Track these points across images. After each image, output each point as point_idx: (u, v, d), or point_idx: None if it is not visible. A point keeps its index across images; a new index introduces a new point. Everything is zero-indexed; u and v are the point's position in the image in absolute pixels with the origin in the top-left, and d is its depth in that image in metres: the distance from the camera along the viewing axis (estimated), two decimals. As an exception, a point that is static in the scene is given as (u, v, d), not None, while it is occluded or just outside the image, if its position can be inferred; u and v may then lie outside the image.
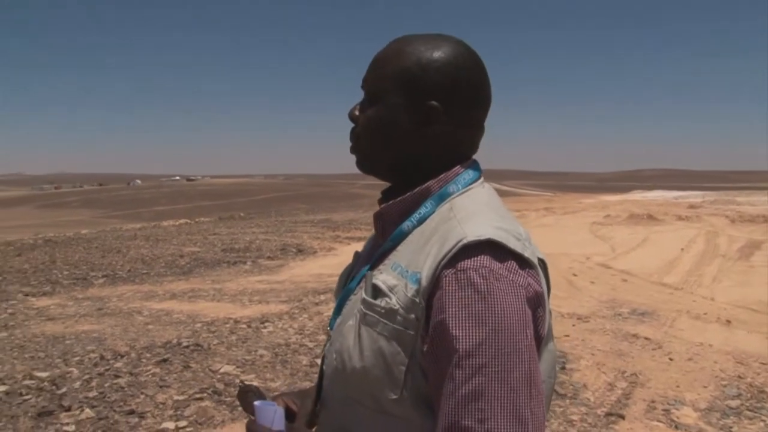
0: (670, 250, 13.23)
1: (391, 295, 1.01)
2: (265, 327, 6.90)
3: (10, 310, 7.87)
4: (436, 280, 0.97)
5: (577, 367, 5.60)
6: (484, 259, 0.95)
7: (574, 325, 7.04)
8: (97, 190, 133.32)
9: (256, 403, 1.14)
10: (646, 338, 6.54)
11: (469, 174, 1.13)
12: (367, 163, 1.18)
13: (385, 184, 1.22)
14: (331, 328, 1.18)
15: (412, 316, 0.98)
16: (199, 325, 7.07)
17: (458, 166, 1.12)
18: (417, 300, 0.98)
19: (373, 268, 1.11)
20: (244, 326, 6.93)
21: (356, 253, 1.31)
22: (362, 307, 1.05)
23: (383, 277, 1.05)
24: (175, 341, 6.31)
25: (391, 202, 1.14)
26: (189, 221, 24.53)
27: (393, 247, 1.10)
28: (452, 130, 1.11)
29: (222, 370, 5.41)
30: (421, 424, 1.01)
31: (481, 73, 1.14)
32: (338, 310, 1.18)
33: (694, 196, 36.13)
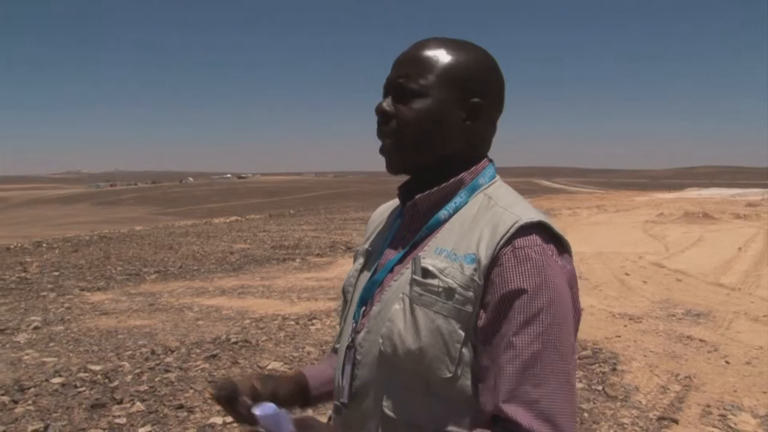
0: (727, 249, 12.81)
1: (442, 276, 1.07)
2: (312, 324, 6.94)
3: (66, 305, 8.11)
4: (494, 259, 1.05)
5: (628, 369, 5.46)
6: (536, 239, 1.05)
7: (625, 326, 6.87)
8: (150, 187, 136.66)
9: (256, 411, 1.08)
10: (701, 340, 6.34)
11: (491, 169, 1.24)
12: (408, 156, 1.19)
13: (400, 181, 1.29)
14: (356, 320, 1.22)
15: (470, 293, 1.05)
16: (247, 321, 7.16)
17: (485, 161, 1.23)
18: (476, 278, 1.05)
19: (407, 255, 1.18)
20: (293, 323, 6.99)
21: (364, 252, 1.34)
22: (416, 288, 1.09)
23: (430, 261, 1.10)
24: (224, 337, 6.40)
25: (426, 192, 1.19)
26: (240, 218, 24.90)
27: (428, 235, 1.17)
28: (484, 127, 1.21)
29: (270, 367, 5.46)
30: (469, 401, 1.06)
31: (503, 77, 1.25)
32: (361, 303, 1.22)
33: (752, 194, 35.02)
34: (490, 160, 1.24)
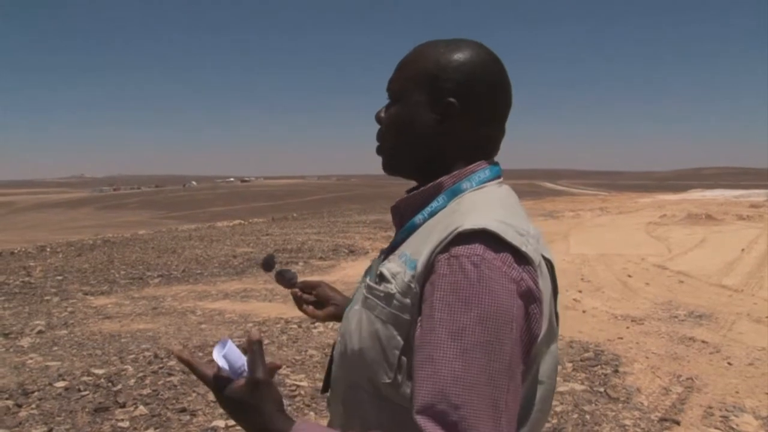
0: (730, 250, 12.78)
1: (392, 281, 1.05)
2: (315, 327, 6.95)
3: (70, 309, 8.13)
4: (431, 266, 1.00)
5: (630, 371, 5.47)
6: (478, 248, 0.96)
7: (628, 328, 6.87)
8: (154, 191, 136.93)
9: (215, 354, 1.03)
10: (704, 341, 6.34)
11: (486, 173, 1.15)
12: (392, 161, 1.22)
13: (403, 183, 1.27)
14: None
15: (408, 300, 1.02)
16: (250, 324, 7.18)
17: (474, 164, 1.15)
18: (412, 285, 1.02)
19: (385, 259, 1.17)
20: (295, 326, 7.00)
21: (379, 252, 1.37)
22: (365, 291, 1.11)
23: (389, 265, 1.09)
24: (226, 340, 6.42)
25: (405, 196, 1.20)
26: (243, 222, 24.93)
27: (404, 239, 1.15)
28: (469, 128, 1.14)
29: (271, 370, 5.48)
30: None
31: (499, 75, 1.17)
32: (352, 303, 1.24)
33: (756, 195, 34.94)
34: (491, 164, 1.16)
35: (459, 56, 1.14)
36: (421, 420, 0.91)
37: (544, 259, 1.06)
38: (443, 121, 1.13)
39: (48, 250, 15.10)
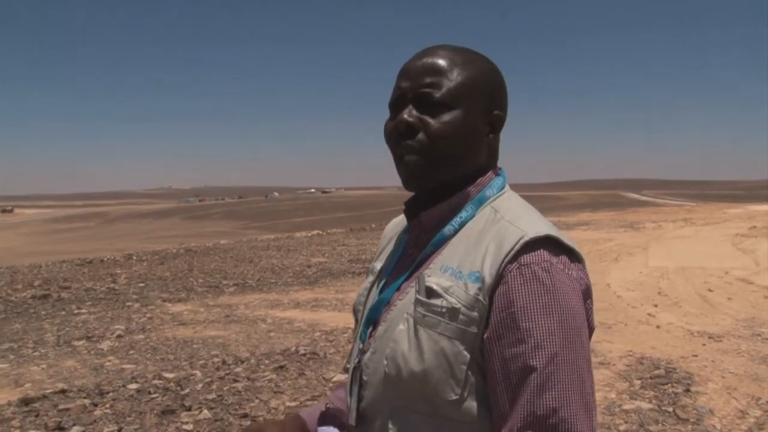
0: (826, 265, 12.02)
1: (446, 296, 1.03)
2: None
3: (148, 315, 8.49)
4: (499, 277, 1.00)
5: (703, 391, 5.22)
6: (544, 254, 1.00)
7: (704, 345, 6.56)
8: (237, 202, 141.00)
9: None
10: (789, 362, 5.98)
11: (500, 179, 1.18)
12: (439, 172, 1.12)
13: (405, 197, 1.23)
14: (362, 340, 1.18)
15: (475, 314, 1.01)
16: (318, 333, 7.28)
17: (491, 172, 1.18)
18: (480, 298, 1.01)
19: (413, 273, 1.13)
20: (361, 336, 7.06)
21: (374, 269, 1.31)
22: (419, 309, 1.05)
23: (434, 279, 1.06)
24: (293, 349, 6.54)
25: (431, 209, 1.15)
26: (321, 232, 25.34)
27: (434, 252, 1.13)
28: (497, 138, 1.18)
29: (335, 379, 5.55)
30: (477, 423, 1.02)
31: None
32: (368, 323, 1.18)
33: None
34: (499, 171, 1.19)
35: (492, 68, 1.18)
36: None
37: None
38: (491, 132, 1.16)
39: (134, 258, 15.82)
